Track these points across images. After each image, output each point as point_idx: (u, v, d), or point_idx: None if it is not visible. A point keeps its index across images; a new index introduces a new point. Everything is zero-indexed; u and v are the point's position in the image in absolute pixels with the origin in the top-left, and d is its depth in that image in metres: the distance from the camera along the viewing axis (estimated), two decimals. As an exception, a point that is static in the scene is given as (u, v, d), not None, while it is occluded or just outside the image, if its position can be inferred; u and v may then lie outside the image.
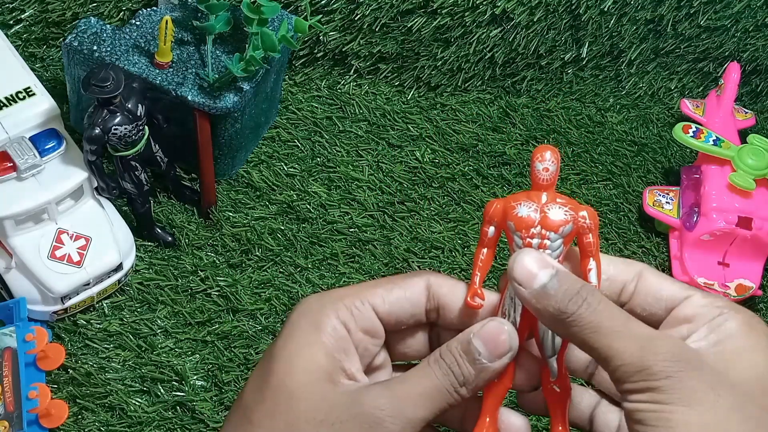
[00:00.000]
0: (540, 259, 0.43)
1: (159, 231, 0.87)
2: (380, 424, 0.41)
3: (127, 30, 0.83)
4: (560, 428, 0.47)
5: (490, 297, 0.46)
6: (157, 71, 0.81)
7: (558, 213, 0.45)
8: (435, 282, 0.46)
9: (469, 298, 0.46)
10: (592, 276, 0.45)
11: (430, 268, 0.90)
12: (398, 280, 0.46)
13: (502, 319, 0.45)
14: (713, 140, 0.99)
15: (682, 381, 0.40)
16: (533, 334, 0.46)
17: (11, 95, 0.79)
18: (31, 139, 0.78)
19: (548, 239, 0.45)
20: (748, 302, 0.99)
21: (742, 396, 0.40)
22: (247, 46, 0.82)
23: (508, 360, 0.44)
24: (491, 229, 0.46)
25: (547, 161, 0.45)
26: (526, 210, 0.45)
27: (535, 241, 0.45)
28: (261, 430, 0.42)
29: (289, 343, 0.43)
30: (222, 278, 0.85)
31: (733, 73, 1.07)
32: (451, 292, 0.46)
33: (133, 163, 0.80)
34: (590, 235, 0.45)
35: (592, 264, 0.45)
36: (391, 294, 0.45)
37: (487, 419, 0.45)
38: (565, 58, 1.09)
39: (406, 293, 0.45)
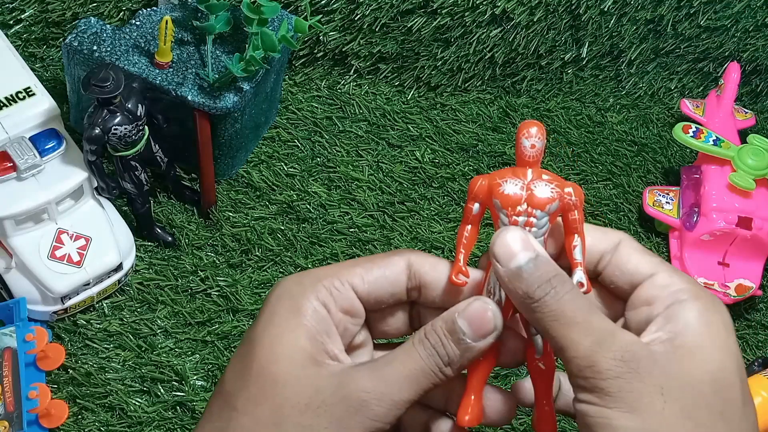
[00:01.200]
0: (523, 239, 0.43)
1: (159, 231, 0.87)
2: (366, 406, 0.41)
3: (127, 30, 0.83)
4: (544, 403, 0.46)
5: (474, 274, 0.46)
6: (157, 71, 0.81)
7: (544, 190, 0.44)
8: (416, 261, 0.45)
9: (453, 276, 0.45)
10: (577, 253, 0.45)
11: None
12: (378, 260, 0.45)
13: (487, 298, 0.44)
14: (713, 140, 0.99)
15: (629, 383, 0.39)
16: (518, 311, 0.45)
17: (11, 95, 0.79)
18: (31, 139, 0.78)
19: (534, 217, 0.44)
20: (748, 302, 0.99)
21: (693, 399, 0.39)
22: (247, 46, 0.82)
23: (492, 339, 0.43)
24: (476, 206, 0.46)
25: (533, 137, 0.44)
26: (512, 187, 0.44)
27: (521, 219, 0.44)
28: (246, 417, 0.41)
29: (270, 328, 0.42)
30: (222, 278, 0.85)
31: (733, 73, 1.07)
32: (432, 270, 0.45)
33: (133, 163, 0.80)
34: (575, 211, 0.44)
35: (577, 240, 0.45)
36: (370, 273, 0.45)
37: (472, 397, 0.45)
38: (565, 58, 1.09)
39: (386, 272, 0.45)
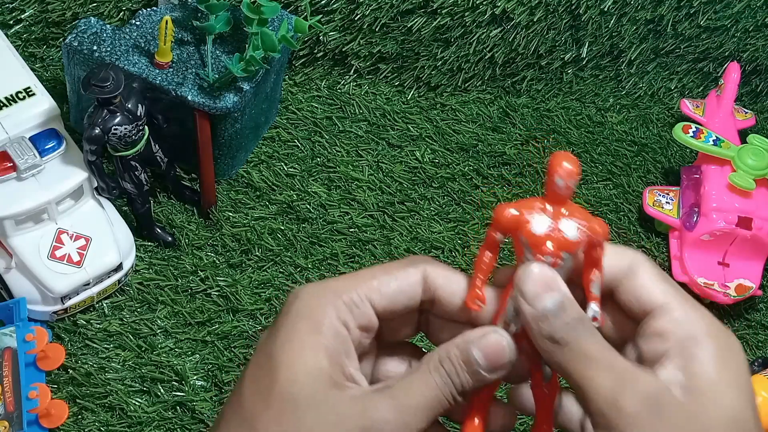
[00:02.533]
0: (550, 280, 0.42)
1: (159, 231, 0.87)
2: None
3: (127, 30, 0.83)
4: (545, 427, 0.46)
5: (490, 299, 0.45)
6: (157, 71, 0.81)
7: (572, 230, 0.43)
8: (431, 273, 0.45)
9: (469, 301, 0.45)
10: (594, 287, 0.44)
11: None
12: (394, 271, 0.45)
13: (503, 330, 0.44)
14: (713, 140, 0.99)
15: (653, 426, 0.39)
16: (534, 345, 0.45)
17: (11, 95, 0.79)
18: (31, 139, 0.78)
19: (561, 258, 0.43)
20: (748, 302, 0.99)
21: None
22: (247, 46, 0.82)
23: (505, 372, 0.44)
24: (500, 235, 0.44)
25: (570, 180, 0.43)
26: (540, 226, 0.43)
27: (548, 259, 0.43)
28: None
29: (290, 346, 0.42)
30: (222, 278, 0.85)
31: (733, 73, 1.07)
32: (447, 284, 0.45)
33: (133, 163, 0.80)
34: (599, 248, 0.44)
35: (596, 275, 0.44)
36: (387, 287, 0.44)
37: (476, 421, 0.45)
38: (565, 58, 1.09)
39: (403, 286, 0.45)
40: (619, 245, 0.46)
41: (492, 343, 0.43)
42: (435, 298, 0.45)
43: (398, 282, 0.45)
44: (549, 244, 0.43)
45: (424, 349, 0.47)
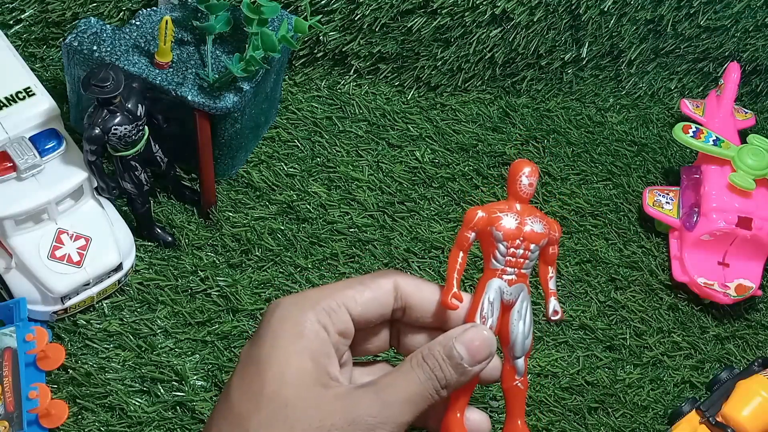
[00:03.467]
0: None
1: (159, 231, 0.87)
2: (373, 430, 0.43)
3: (127, 30, 0.83)
4: (519, 421, 0.49)
5: (466, 298, 0.49)
6: (157, 71, 0.81)
7: (538, 226, 0.49)
8: (402, 282, 0.48)
9: (447, 299, 0.48)
10: (552, 283, 0.50)
11: (430, 269, 0.90)
12: (368, 281, 0.47)
13: (482, 324, 0.47)
14: (713, 140, 0.99)
15: None
16: (504, 336, 0.49)
17: (11, 95, 0.79)
18: (31, 139, 0.78)
19: (530, 250, 0.48)
20: (748, 302, 0.99)
21: None
22: (247, 46, 0.82)
23: (486, 364, 0.46)
24: (472, 235, 0.49)
25: (532, 177, 0.48)
26: (511, 221, 0.48)
27: (519, 251, 0.48)
28: None
29: (276, 350, 0.44)
30: (222, 278, 0.85)
31: (733, 73, 1.07)
32: (417, 291, 0.48)
33: (132, 163, 0.80)
34: (556, 246, 0.50)
35: (552, 272, 0.50)
36: (362, 296, 0.47)
37: (458, 414, 0.47)
38: (565, 58, 1.09)
39: (376, 294, 0.47)
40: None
41: (472, 335, 0.46)
42: (407, 305, 0.48)
43: (372, 291, 0.47)
44: (519, 235, 0.48)
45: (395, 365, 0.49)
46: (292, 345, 0.44)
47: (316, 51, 1.00)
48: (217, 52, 0.84)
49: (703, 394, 0.90)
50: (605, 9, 1.05)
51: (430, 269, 0.90)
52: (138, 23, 0.84)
